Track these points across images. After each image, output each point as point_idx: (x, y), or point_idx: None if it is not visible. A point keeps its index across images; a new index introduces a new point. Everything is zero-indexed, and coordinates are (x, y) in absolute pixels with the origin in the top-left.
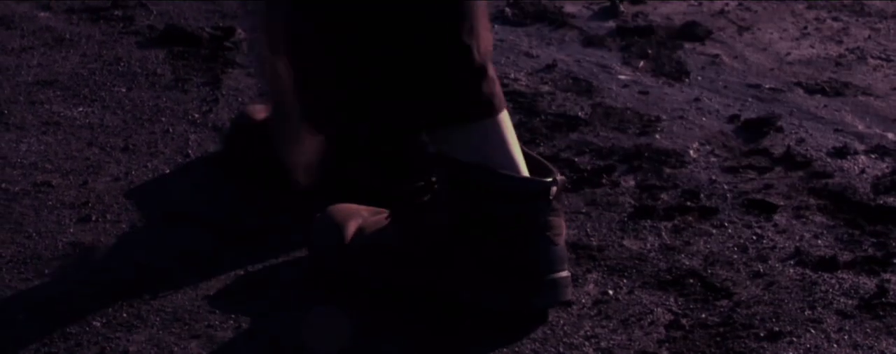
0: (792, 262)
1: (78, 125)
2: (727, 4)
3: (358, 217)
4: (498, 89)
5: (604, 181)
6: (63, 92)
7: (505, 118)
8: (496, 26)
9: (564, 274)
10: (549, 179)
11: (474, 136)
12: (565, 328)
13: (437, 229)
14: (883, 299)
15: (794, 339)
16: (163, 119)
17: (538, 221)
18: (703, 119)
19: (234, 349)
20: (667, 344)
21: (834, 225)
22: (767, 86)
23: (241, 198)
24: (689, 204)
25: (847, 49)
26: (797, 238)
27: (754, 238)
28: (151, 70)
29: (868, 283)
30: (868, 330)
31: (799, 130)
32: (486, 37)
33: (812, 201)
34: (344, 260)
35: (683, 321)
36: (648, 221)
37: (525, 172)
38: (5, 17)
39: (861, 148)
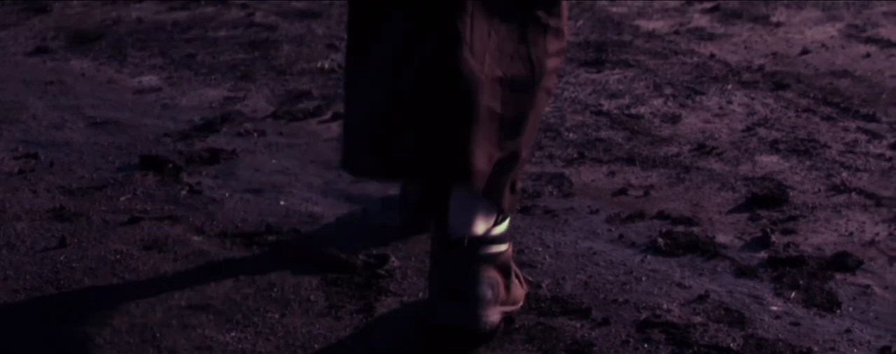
0: None
1: (230, 350)
2: (878, 234)
3: None
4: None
5: None
6: (216, 316)
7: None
8: (649, 256)
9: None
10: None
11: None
12: None
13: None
14: None
15: None
16: (316, 345)
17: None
18: (855, 350)
19: None
20: None
21: None
22: None
23: None
24: None
25: None
26: None
27: None
28: (305, 296)
29: None
30: None
31: None
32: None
33: None
34: None
35: None
36: None
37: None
38: (159, 241)
39: None
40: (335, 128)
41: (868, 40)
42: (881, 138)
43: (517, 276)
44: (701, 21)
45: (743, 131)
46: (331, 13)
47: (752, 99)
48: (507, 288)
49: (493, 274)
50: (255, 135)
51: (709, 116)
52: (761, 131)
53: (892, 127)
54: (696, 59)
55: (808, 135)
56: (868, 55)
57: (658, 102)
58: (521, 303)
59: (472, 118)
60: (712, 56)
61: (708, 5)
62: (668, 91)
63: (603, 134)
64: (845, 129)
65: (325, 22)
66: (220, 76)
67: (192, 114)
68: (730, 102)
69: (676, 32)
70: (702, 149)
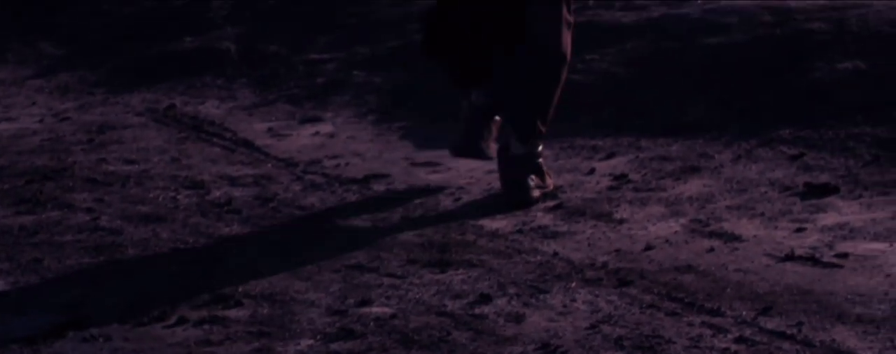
0: None
1: None
2: None
3: None
4: None
5: None
6: None
7: None
8: None
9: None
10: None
11: None
12: None
13: None
14: None
15: None
16: None
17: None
18: None
19: None
20: None
21: None
22: None
23: None
24: None
25: None
26: None
27: None
28: None
29: None
30: None
31: None
32: None
33: None
34: None
35: None
36: None
37: None
38: None
39: None
40: (180, 332)
41: (712, 235)
42: (726, 332)
43: (547, 174)
44: (544, 219)
45: (587, 329)
46: (176, 217)
47: (596, 296)
48: (542, 179)
49: (533, 174)
50: (101, 340)
51: (553, 315)
52: (605, 328)
53: (737, 321)
54: (539, 257)
55: (653, 331)
56: (712, 249)
57: (502, 302)
58: (551, 186)
59: None
60: (556, 254)
61: (551, 204)
62: (511, 290)
63: (447, 335)
64: (690, 324)
65: (169, 226)
66: (66, 280)
67: (38, 319)
68: (574, 300)
69: (520, 231)
70: (546, 348)
